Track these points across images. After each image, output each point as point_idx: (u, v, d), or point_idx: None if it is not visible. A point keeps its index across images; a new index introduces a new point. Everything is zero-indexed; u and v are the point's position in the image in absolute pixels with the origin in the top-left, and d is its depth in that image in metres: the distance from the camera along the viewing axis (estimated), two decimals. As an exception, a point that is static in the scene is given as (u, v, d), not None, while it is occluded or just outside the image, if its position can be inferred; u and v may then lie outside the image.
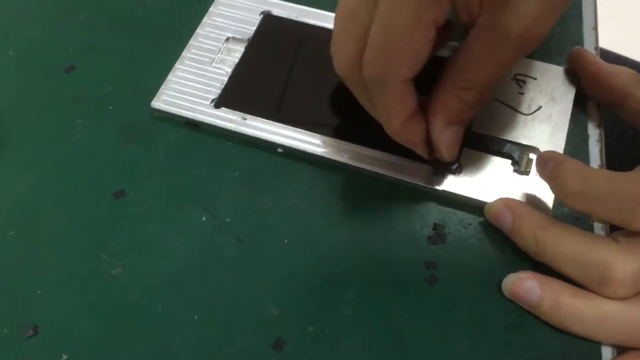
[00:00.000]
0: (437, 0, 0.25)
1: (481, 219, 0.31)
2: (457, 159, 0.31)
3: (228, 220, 0.31)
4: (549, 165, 0.28)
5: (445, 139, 0.28)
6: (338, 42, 0.28)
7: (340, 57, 0.28)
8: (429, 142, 0.29)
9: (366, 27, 0.26)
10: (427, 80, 0.28)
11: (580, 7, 0.38)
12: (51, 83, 0.36)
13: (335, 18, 0.28)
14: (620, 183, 0.26)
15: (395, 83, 0.26)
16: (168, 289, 0.30)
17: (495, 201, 0.30)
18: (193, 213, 0.31)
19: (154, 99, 0.34)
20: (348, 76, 0.28)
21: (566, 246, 0.27)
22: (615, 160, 0.55)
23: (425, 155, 0.30)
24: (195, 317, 0.29)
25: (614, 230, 0.28)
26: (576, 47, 0.34)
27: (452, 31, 0.30)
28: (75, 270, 0.30)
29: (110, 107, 0.35)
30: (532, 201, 0.31)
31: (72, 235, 0.31)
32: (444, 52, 0.34)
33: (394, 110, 0.28)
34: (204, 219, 0.31)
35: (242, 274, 0.30)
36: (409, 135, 0.29)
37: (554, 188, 0.28)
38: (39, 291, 0.30)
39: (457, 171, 0.31)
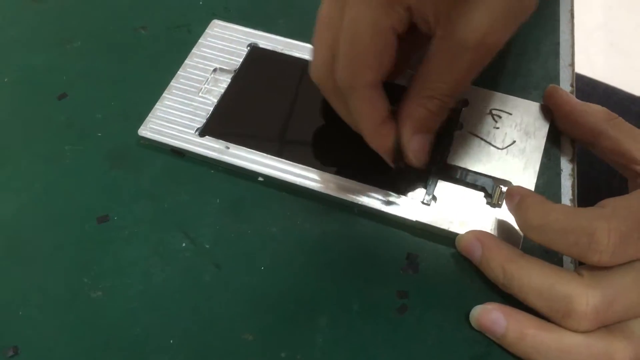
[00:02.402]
0: (392, 8, 0.27)
1: (453, 250, 0.32)
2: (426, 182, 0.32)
3: (207, 246, 0.32)
4: (514, 199, 0.29)
5: (413, 146, 0.30)
6: (314, 51, 0.30)
7: (315, 66, 0.30)
8: (398, 149, 0.30)
9: (336, 37, 0.28)
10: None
11: (558, 44, 0.39)
12: (43, 109, 0.37)
13: (314, 30, 0.30)
14: (578, 218, 0.27)
15: (364, 87, 0.28)
16: (146, 312, 0.30)
17: (465, 233, 0.31)
18: (174, 238, 0.32)
19: (141, 127, 0.35)
20: (323, 84, 0.30)
21: (532, 279, 0.28)
22: (604, 192, 0.55)
23: (391, 163, 0.31)
24: (171, 341, 0.30)
25: (582, 264, 0.29)
26: (551, 85, 0.35)
27: (421, 40, 0.30)
28: (57, 293, 0.31)
29: (99, 134, 0.36)
30: (504, 233, 0.31)
31: (55, 258, 0.32)
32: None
33: (365, 115, 0.29)
34: (184, 244, 0.32)
35: (219, 299, 0.31)
36: (382, 140, 0.30)
37: (518, 221, 0.29)
38: (20, 312, 0.30)
39: (430, 201, 0.32)
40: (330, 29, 0.29)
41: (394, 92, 0.30)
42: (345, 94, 0.29)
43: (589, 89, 0.63)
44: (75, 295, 0.31)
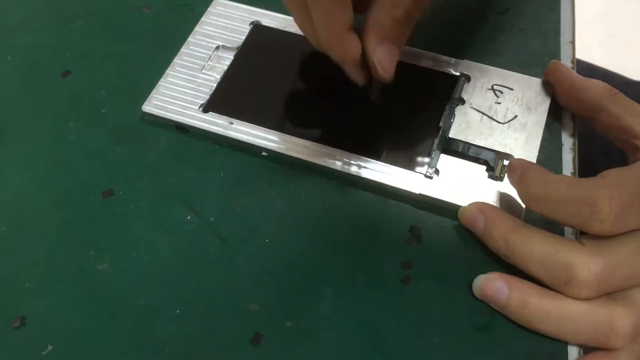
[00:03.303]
0: None
1: (456, 222, 0.32)
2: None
3: (212, 219, 0.32)
4: (516, 172, 0.29)
5: (379, 55, 0.30)
6: None
7: None
8: (364, 61, 0.30)
9: None
10: None
11: (559, 21, 0.39)
12: (47, 87, 0.38)
13: None
14: (579, 188, 0.27)
15: None
16: (152, 283, 0.31)
17: (468, 205, 0.31)
18: (179, 212, 0.33)
19: (145, 103, 0.36)
20: None
21: (534, 248, 0.28)
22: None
23: (358, 79, 0.31)
24: (177, 312, 0.30)
25: (583, 234, 0.30)
26: (552, 60, 0.35)
27: None
28: (64, 265, 0.31)
29: (103, 111, 0.36)
30: (505, 205, 0.32)
31: (61, 232, 0.32)
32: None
33: (330, 20, 0.29)
34: (189, 217, 0.32)
35: (224, 270, 0.31)
36: (345, 48, 0.30)
37: (519, 193, 0.29)
38: (27, 284, 0.31)
39: (433, 174, 0.32)
40: None
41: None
42: (310, 3, 0.29)
43: (587, 73, 0.63)
44: (82, 268, 0.31)
